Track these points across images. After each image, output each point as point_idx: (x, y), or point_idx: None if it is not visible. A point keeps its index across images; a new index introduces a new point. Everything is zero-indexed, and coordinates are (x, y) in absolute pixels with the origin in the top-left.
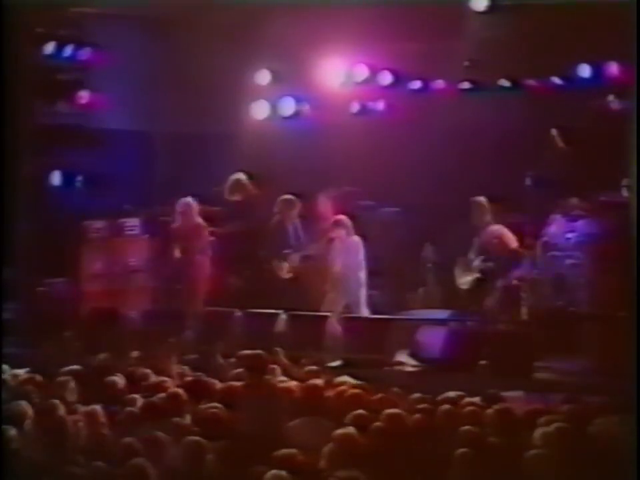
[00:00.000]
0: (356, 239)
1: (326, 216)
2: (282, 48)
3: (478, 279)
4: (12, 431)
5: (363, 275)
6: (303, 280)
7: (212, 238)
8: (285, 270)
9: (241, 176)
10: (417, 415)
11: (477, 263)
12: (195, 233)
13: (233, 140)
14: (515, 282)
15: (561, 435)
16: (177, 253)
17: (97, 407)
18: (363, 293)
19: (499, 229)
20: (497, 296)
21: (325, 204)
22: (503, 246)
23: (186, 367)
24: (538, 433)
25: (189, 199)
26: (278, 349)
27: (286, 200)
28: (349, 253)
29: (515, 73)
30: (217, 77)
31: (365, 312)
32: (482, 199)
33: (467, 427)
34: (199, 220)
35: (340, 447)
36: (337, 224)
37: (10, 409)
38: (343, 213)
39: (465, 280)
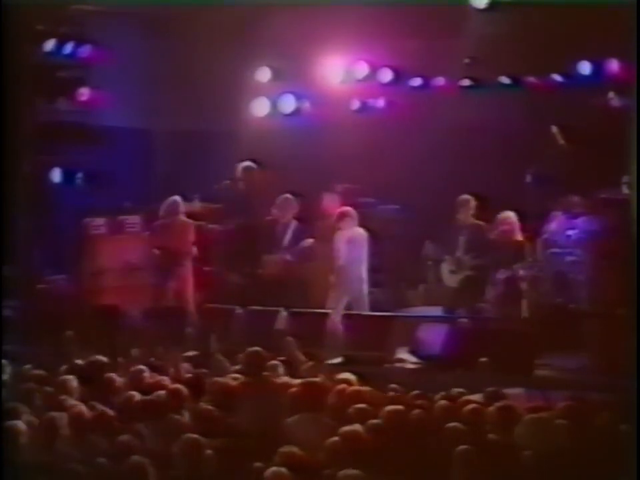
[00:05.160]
0: (361, 231)
1: (328, 213)
2: (282, 45)
3: (468, 277)
4: (12, 429)
5: (364, 268)
6: (304, 277)
7: (200, 236)
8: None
9: (251, 164)
10: (417, 412)
11: (467, 260)
12: (181, 230)
13: (234, 137)
14: (519, 273)
15: (561, 432)
16: (156, 251)
17: (98, 404)
18: (365, 289)
19: (511, 217)
20: (499, 289)
21: (327, 201)
22: (510, 235)
23: (186, 364)
24: (539, 429)
25: (176, 198)
26: (290, 339)
27: (284, 200)
28: (354, 246)
29: (515, 70)
30: (217, 74)
31: (366, 309)
32: (467, 196)
33: (467, 424)
34: (185, 218)
35: (344, 444)
36: (343, 215)
37: (10, 407)
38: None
39: (453, 278)
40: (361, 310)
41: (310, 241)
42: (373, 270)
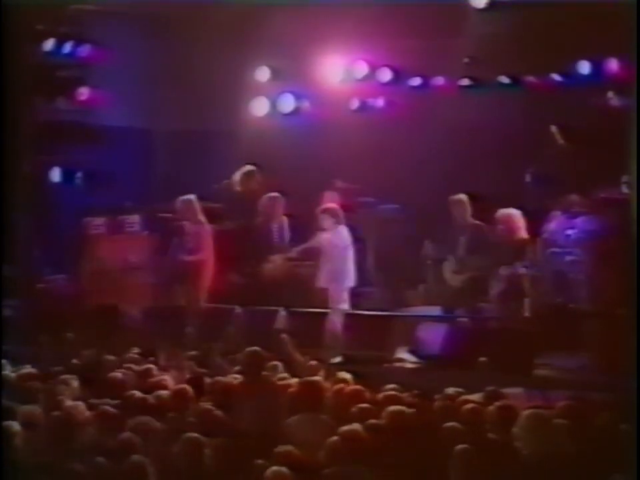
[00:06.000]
0: (343, 228)
1: None
2: (282, 45)
3: (471, 277)
4: (12, 428)
5: (350, 267)
6: (304, 276)
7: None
8: (268, 270)
9: (252, 168)
10: (417, 412)
11: (470, 260)
12: (196, 230)
13: (233, 137)
14: (521, 271)
15: (560, 432)
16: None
17: (97, 404)
18: (348, 286)
19: (513, 213)
20: (501, 287)
21: (328, 200)
22: (512, 233)
23: (186, 364)
24: (538, 428)
25: (191, 196)
26: (285, 337)
27: (270, 198)
28: (337, 243)
29: (514, 70)
30: (216, 73)
31: (345, 306)
32: (462, 196)
33: (466, 424)
34: (202, 217)
35: (344, 444)
36: (326, 212)
37: (10, 406)
38: (343, 210)
39: (457, 278)
40: (345, 308)
41: (329, 221)
42: (373, 269)
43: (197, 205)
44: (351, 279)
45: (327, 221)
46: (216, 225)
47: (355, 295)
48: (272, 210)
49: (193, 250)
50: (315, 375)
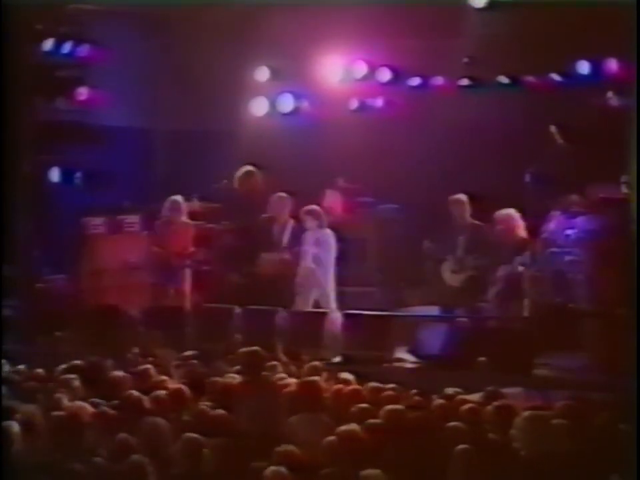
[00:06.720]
0: (328, 231)
1: (330, 211)
2: (281, 45)
3: (470, 277)
4: (12, 428)
5: (332, 269)
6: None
7: (198, 237)
8: (263, 269)
9: (251, 168)
10: (416, 412)
11: (469, 260)
12: (181, 231)
13: (232, 137)
14: (519, 269)
15: (560, 432)
16: (155, 249)
17: (97, 404)
18: (332, 289)
19: (510, 214)
20: (500, 286)
21: (329, 199)
22: (511, 233)
23: (185, 364)
24: (537, 428)
25: (177, 197)
26: (277, 344)
27: (278, 198)
28: (320, 245)
29: (514, 70)
30: (216, 73)
31: (334, 308)
32: (461, 196)
33: (466, 424)
34: (185, 219)
35: (342, 444)
36: (308, 214)
37: (10, 406)
38: (342, 210)
39: (456, 278)
40: (330, 308)
41: (312, 223)
42: (372, 269)
43: (183, 206)
44: (330, 283)
45: (309, 223)
46: (216, 225)
47: (355, 294)
48: (279, 210)
49: (180, 250)
50: (314, 375)
